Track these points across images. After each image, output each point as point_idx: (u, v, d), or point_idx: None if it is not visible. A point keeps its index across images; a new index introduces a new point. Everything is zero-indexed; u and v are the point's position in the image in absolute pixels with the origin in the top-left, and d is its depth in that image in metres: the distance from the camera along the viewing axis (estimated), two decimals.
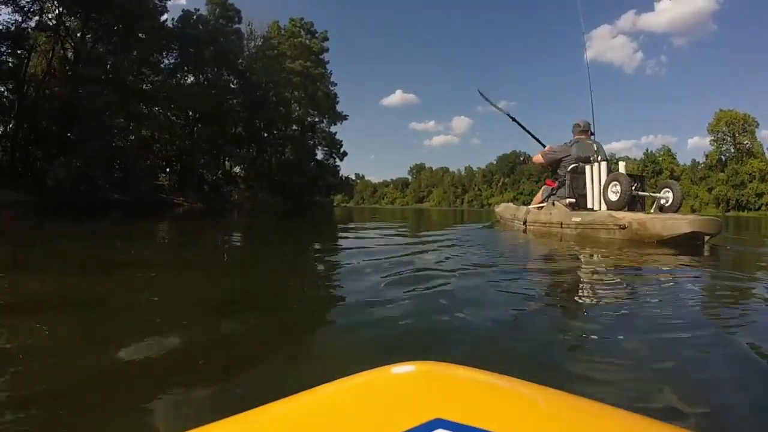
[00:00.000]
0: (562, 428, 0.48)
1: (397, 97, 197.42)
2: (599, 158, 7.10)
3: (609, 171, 6.91)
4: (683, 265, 3.97)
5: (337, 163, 54.79)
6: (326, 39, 52.56)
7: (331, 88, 53.17)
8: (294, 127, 49.29)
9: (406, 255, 4.29)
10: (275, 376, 1.44)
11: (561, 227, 6.87)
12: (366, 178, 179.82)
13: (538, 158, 8.09)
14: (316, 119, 51.58)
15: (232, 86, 39.75)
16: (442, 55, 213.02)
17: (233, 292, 2.75)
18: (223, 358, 1.56)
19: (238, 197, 36.33)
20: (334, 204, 63.25)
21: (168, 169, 35.67)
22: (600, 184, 6.88)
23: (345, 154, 54.75)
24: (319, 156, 52.70)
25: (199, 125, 35.18)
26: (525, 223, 7.90)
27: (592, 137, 7.73)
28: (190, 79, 37.64)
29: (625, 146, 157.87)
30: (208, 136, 34.34)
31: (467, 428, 0.44)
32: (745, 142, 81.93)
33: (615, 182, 6.55)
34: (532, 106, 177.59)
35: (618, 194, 6.44)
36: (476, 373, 0.62)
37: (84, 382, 1.35)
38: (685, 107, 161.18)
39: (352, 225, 10.89)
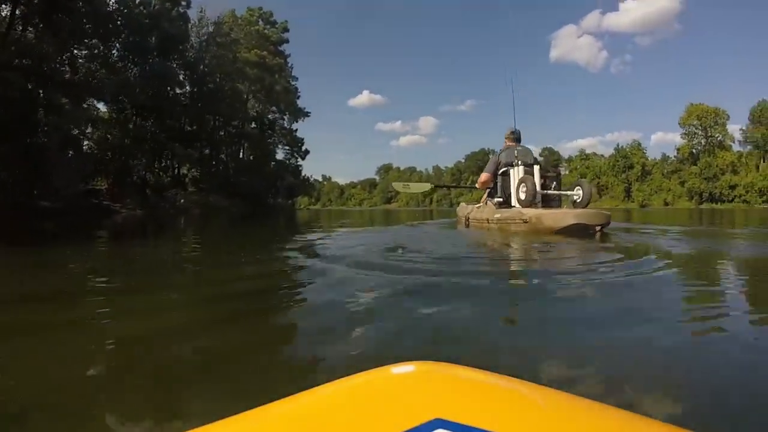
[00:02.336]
0: (562, 428, 0.49)
1: (364, 98, 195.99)
2: (519, 163, 7.78)
3: (527, 173, 7.66)
4: (553, 245, 5.13)
5: (298, 163, 51.41)
6: (286, 30, 48.96)
7: (292, 83, 49.80)
8: (253, 124, 45.68)
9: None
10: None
11: (488, 222, 7.69)
12: (333, 179, 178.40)
13: (482, 177, 8.63)
14: (276, 115, 48.01)
15: (179, 77, 35.96)
16: (408, 56, 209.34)
17: None
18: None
19: (186, 201, 32.22)
20: (300, 207, 59.71)
21: (105, 171, 30.96)
22: (516, 185, 7.70)
23: (307, 152, 51.61)
24: (280, 155, 49.60)
25: (137, 119, 30.74)
26: (467, 219, 8.66)
27: (519, 143, 8.37)
28: (134, 69, 32.97)
29: (591, 143, 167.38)
30: (148, 133, 29.95)
31: (467, 428, 0.44)
32: (716, 136, 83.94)
33: (523, 183, 7.45)
34: (498, 106, 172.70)
35: (525, 193, 7.35)
36: (476, 373, 0.63)
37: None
38: (648, 104, 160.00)
39: (317, 232, 9.46)
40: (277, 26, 47.82)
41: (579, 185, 7.63)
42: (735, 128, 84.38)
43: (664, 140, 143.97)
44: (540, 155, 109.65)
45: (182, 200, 32.06)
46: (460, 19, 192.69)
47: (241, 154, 44.62)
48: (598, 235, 6.18)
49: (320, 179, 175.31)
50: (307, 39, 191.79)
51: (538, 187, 7.40)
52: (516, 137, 8.40)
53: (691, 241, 6.48)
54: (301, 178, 53.55)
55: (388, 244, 5.24)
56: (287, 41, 48.31)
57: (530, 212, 6.75)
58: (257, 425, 0.53)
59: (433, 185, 11.46)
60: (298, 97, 49.67)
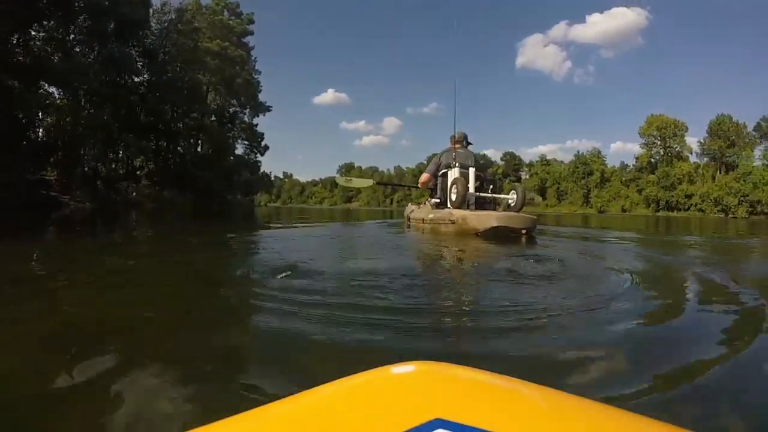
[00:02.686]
0: (562, 428, 0.49)
1: (329, 96, 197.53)
2: (455, 164, 7.83)
3: (467, 176, 7.78)
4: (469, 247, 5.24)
5: (258, 158, 50.31)
6: (251, 22, 47.65)
7: (255, 76, 48.52)
8: (212, 117, 44.30)
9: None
10: None
11: (423, 222, 7.84)
12: (294, 177, 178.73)
13: (422, 178, 8.80)
14: (236, 109, 46.79)
15: (138, 64, 34.33)
16: (375, 56, 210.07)
17: None
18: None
19: (138, 195, 30.88)
20: (260, 203, 58.66)
21: (55, 161, 29.22)
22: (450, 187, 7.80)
23: (266, 148, 50.57)
24: (239, 150, 48.42)
25: (90, 107, 29.25)
26: (409, 219, 8.94)
27: (463, 146, 8.38)
28: (91, 54, 31.25)
29: (551, 149, 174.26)
30: (99, 121, 28.44)
31: (467, 428, 0.45)
32: (675, 146, 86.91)
33: (454, 185, 7.55)
34: (464, 109, 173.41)
35: (456, 194, 7.45)
36: (476, 373, 0.63)
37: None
38: (609, 114, 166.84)
39: (275, 230, 9.58)
40: (242, 18, 46.51)
41: (514, 189, 7.77)
42: (693, 140, 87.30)
43: (623, 149, 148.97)
44: (502, 159, 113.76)
45: (134, 194, 30.71)
46: (429, 21, 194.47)
47: (198, 147, 43.29)
48: (524, 238, 6.36)
49: (281, 176, 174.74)
50: (273, 33, 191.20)
51: (471, 189, 7.65)
52: (460, 139, 8.44)
53: (607, 247, 6.60)
54: (260, 174, 52.51)
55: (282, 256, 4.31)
56: (251, 33, 47.18)
57: (458, 213, 6.91)
58: (257, 425, 0.53)
59: (375, 182, 11.16)
60: (260, 91, 48.64)
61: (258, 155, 49.69)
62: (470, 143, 8.52)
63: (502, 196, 7.82)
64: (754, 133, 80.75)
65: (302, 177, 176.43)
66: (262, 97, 48.62)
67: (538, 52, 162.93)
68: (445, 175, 8.10)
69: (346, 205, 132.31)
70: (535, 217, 6.97)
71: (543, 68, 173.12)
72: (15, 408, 1.25)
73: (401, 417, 0.47)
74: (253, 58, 47.95)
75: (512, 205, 7.50)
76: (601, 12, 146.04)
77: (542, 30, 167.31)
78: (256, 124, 48.93)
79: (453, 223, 6.83)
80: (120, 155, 34.48)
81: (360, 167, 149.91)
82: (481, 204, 7.69)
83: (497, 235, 6.14)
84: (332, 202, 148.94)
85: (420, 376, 0.60)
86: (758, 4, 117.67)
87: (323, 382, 0.61)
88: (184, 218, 15.14)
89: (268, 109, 49.12)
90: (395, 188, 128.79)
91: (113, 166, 33.82)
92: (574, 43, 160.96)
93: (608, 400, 1.06)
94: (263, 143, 49.40)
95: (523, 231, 6.42)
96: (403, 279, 2.86)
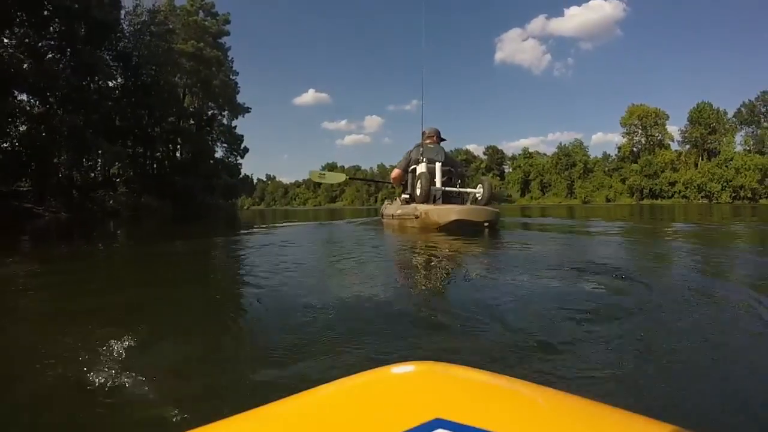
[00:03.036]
0: (562, 428, 0.49)
1: (309, 96, 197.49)
2: (423, 159, 7.97)
3: (434, 171, 7.92)
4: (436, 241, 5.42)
5: (238, 161, 49.36)
6: (228, 22, 46.31)
7: (232, 77, 47.52)
8: (191, 121, 43.33)
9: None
10: None
11: (392, 218, 8.13)
12: (277, 179, 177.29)
13: (393, 173, 8.82)
14: (214, 111, 45.79)
15: (111, 68, 33.26)
16: (355, 55, 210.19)
17: None
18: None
19: (115, 203, 30.00)
20: (244, 207, 57.94)
21: (28, 171, 28.18)
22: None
23: (246, 150, 49.53)
24: (219, 154, 47.42)
25: (63, 113, 28.18)
26: (382, 216, 9.15)
27: (431, 141, 8.44)
28: (63, 60, 30.20)
29: (533, 142, 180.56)
30: (72, 127, 27.35)
31: (467, 428, 0.45)
32: (656, 135, 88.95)
33: (419, 180, 7.59)
34: (443, 106, 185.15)
35: (420, 189, 7.50)
36: (476, 373, 0.64)
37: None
38: (589, 106, 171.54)
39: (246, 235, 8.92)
40: (218, 18, 45.27)
41: (481, 183, 7.89)
42: (674, 129, 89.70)
43: (604, 140, 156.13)
44: (485, 153, 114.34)
45: (111, 202, 29.85)
46: (407, 18, 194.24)
47: (177, 152, 42.37)
48: (486, 231, 6.49)
49: (264, 179, 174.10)
50: (251, 34, 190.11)
51: (438, 184, 7.75)
52: (431, 135, 8.53)
53: (569, 239, 6.56)
54: (241, 176, 51.59)
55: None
56: (228, 34, 45.94)
57: (422, 208, 7.03)
58: (257, 425, 0.53)
59: (348, 177, 11.01)
60: (238, 92, 47.64)
61: (238, 158, 48.81)
62: (443, 139, 8.65)
63: (469, 190, 7.97)
64: (734, 119, 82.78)
65: (285, 179, 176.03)
66: (241, 99, 47.79)
67: (516, 46, 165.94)
68: (414, 170, 8.22)
69: (331, 206, 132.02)
70: (497, 210, 7.15)
71: (522, 62, 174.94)
72: None
73: (401, 417, 0.47)
74: (230, 59, 46.99)
75: (479, 198, 7.66)
76: (579, 5, 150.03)
77: (520, 24, 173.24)
78: (235, 126, 48.18)
79: (417, 218, 7.07)
80: (97, 162, 33.45)
81: (343, 166, 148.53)
82: (448, 198, 7.81)
83: (459, 229, 6.39)
84: (316, 202, 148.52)
85: (420, 376, 0.60)
86: None
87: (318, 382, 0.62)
88: (162, 225, 14.68)
89: (247, 110, 48.04)
90: (378, 185, 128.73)
91: (91, 174, 32.87)
92: (553, 37, 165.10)
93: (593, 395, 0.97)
94: (243, 145, 48.57)
95: (485, 224, 6.62)
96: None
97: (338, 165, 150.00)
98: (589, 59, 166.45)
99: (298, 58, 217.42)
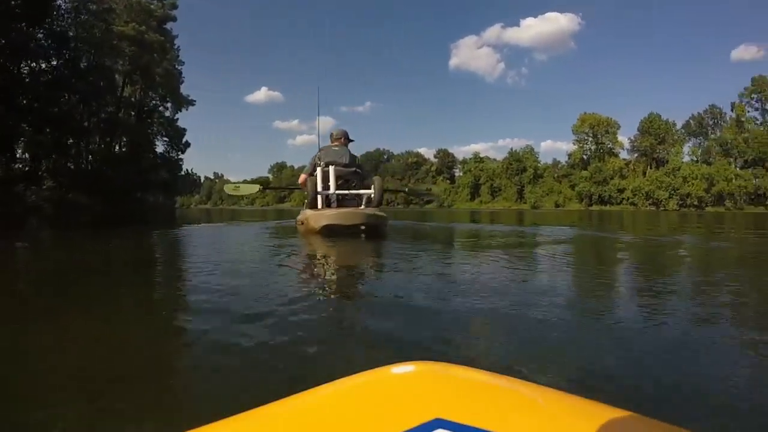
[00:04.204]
0: (562, 428, 0.50)
1: (262, 94, 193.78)
2: (321, 163, 7.84)
3: (327, 175, 7.77)
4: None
5: (180, 156, 45.86)
6: (175, 6, 42.78)
7: (178, 67, 44.39)
8: (132, 112, 40.31)
9: None
10: None
11: (299, 223, 7.99)
12: (226, 177, 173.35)
13: (300, 178, 8.72)
14: (156, 102, 42.73)
15: (42, 50, 29.81)
16: (310, 55, 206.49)
17: None
18: None
19: (37, 198, 26.60)
20: (184, 206, 55.10)
21: None
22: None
23: (188, 145, 46.07)
24: (160, 148, 44.09)
25: None
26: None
27: (338, 143, 8.31)
28: None
29: (484, 148, 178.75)
30: None
31: (467, 428, 0.45)
32: (606, 143, 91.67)
33: (305, 185, 7.74)
34: (397, 108, 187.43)
35: (308, 195, 7.57)
36: (476, 373, 0.64)
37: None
38: (539, 115, 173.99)
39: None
40: (164, 1, 41.77)
41: (373, 183, 7.83)
42: (624, 139, 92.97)
43: (553, 147, 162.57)
44: (435, 156, 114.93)
45: (33, 197, 26.69)
46: (363, 20, 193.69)
47: (114, 144, 39.04)
48: (363, 236, 6.68)
49: (212, 177, 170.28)
50: (201, 27, 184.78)
51: (332, 188, 7.60)
52: (337, 137, 8.44)
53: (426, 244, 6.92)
54: (182, 173, 48.54)
55: None
56: (174, 19, 42.66)
57: (308, 213, 7.23)
58: (257, 425, 0.53)
59: (261, 187, 10.28)
60: (182, 82, 44.62)
61: (179, 153, 45.47)
62: (351, 140, 8.54)
63: (363, 191, 7.85)
64: (682, 130, 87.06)
65: (234, 177, 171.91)
66: (191, 93, 44.94)
67: (471, 53, 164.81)
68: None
69: (279, 206, 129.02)
70: (379, 213, 7.19)
71: (477, 69, 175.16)
72: None
73: (401, 417, 0.47)
74: (176, 47, 43.94)
75: (372, 200, 7.64)
76: (536, 16, 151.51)
77: (476, 32, 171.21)
78: (176, 119, 44.96)
79: (302, 223, 7.50)
80: (17, 154, 30.18)
81: (292, 166, 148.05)
82: (343, 201, 7.77)
83: (333, 233, 6.56)
84: (264, 202, 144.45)
85: (420, 376, 0.60)
86: (683, 13, 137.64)
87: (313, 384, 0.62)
88: (80, 226, 12.94)
89: (191, 103, 45.26)
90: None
91: (11, 166, 29.51)
92: (508, 46, 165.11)
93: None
94: (184, 140, 45.28)
95: (362, 227, 6.77)
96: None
97: (288, 165, 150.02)
98: (542, 69, 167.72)
99: (253, 54, 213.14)
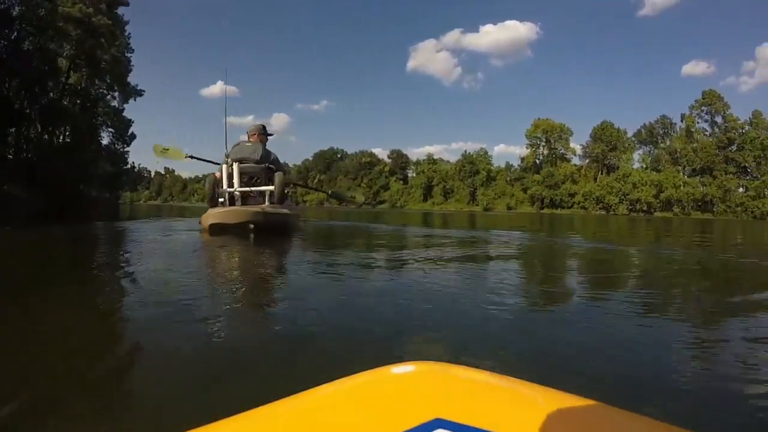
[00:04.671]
0: (562, 428, 0.50)
1: (218, 88, 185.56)
2: (228, 161, 7.78)
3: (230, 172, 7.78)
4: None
5: (125, 149, 43.28)
6: None
7: (128, 54, 41.56)
8: (77, 100, 37.75)
9: None
10: None
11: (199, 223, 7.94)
12: (176, 173, 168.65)
13: (217, 174, 8.42)
14: (103, 90, 40.18)
15: None
16: (266, 49, 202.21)
17: None
18: None
19: None
20: (140, 201, 53.03)
21: None
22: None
23: (133, 137, 43.38)
24: (106, 140, 41.47)
25: None
26: None
27: (254, 139, 8.25)
28: None
29: (438, 150, 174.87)
30: None
31: (467, 428, 0.46)
32: (559, 149, 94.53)
33: (206, 184, 7.78)
34: (354, 107, 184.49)
35: (206, 193, 7.67)
36: (476, 373, 0.64)
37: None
38: (493, 119, 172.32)
39: None
40: None
41: (273, 179, 7.70)
42: (576, 145, 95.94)
43: (506, 151, 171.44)
44: (389, 157, 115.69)
45: None
46: (324, 18, 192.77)
47: (55, 134, 36.69)
48: (251, 235, 6.63)
49: (162, 172, 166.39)
50: (157, 16, 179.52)
51: (236, 185, 7.58)
52: (253, 133, 8.38)
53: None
54: (127, 167, 45.72)
55: None
56: (126, 4, 39.75)
57: (209, 212, 7.22)
58: (257, 425, 0.53)
59: (186, 155, 9.79)
60: (130, 71, 41.66)
61: (125, 146, 42.82)
62: (269, 134, 8.59)
63: (263, 188, 7.70)
64: (633, 138, 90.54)
65: (186, 173, 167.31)
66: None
67: (430, 57, 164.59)
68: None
69: None
70: (278, 211, 7.18)
71: (434, 73, 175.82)
72: None
73: (401, 417, 0.47)
74: (126, 33, 41.04)
75: (273, 197, 7.52)
76: (495, 23, 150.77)
77: (436, 36, 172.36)
78: (122, 109, 42.27)
79: (200, 222, 7.51)
80: None
81: None
82: (247, 199, 7.70)
83: (222, 232, 6.69)
84: None
85: (420, 376, 0.60)
86: (636, 28, 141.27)
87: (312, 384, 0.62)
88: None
89: (139, 93, 42.36)
90: (291, 187, 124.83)
91: None
92: (466, 51, 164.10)
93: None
94: (130, 131, 42.71)
95: (250, 225, 6.74)
96: None
97: None
98: (498, 75, 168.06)
99: (210, 47, 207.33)
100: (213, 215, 6.87)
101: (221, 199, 7.90)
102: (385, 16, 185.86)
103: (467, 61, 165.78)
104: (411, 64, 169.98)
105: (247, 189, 7.68)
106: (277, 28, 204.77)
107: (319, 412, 0.53)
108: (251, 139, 8.18)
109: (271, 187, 7.51)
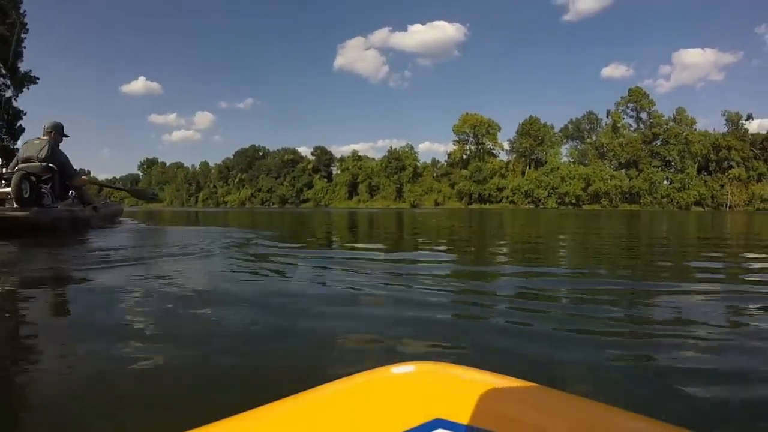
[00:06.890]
0: (562, 428, 0.50)
1: (139, 85, 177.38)
2: (17, 159, 7.61)
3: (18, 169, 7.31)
4: None
5: (13, 145, 37.74)
6: None
7: (23, 35, 36.82)
8: None
9: None
10: None
11: None
12: (93, 174, 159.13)
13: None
14: None
15: None
16: (190, 44, 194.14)
17: None
18: None
19: None
20: None
21: None
22: None
23: (22, 130, 38.65)
24: None
25: None
26: None
27: (47, 138, 7.92)
28: None
29: (363, 147, 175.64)
30: None
31: (468, 428, 0.46)
32: (487, 144, 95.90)
33: None
34: (279, 105, 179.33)
35: None
36: (476, 373, 0.63)
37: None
38: (419, 117, 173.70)
39: None
40: None
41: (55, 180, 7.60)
42: (504, 142, 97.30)
43: (431, 149, 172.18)
44: (313, 154, 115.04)
45: None
46: (250, 14, 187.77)
47: None
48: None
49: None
50: (82, 14, 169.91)
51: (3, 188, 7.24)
52: (48, 131, 7.99)
53: None
54: None
55: None
56: None
57: None
58: (257, 425, 0.53)
59: None
60: (22, 53, 37.33)
61: (12, 141, 37.88)
62: (65, 135, 8.23)
63: (5, 189, 7.19)
64: (560, 133, 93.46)
65: (102, 174, 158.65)
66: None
67: (358, 55, 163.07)
68: None
69: (149, 206, 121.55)
70: (11, 214, 6.57)
71: (361, 71, 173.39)
72: None
73: (401, 417, 0.47)
74: (22, 11, 36.69)
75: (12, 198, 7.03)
76: (424, 23, 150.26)
77: (364, 34, 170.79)
78: (9, 97, 37.62)
79: None
80: None
81: (164, 163, 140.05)
82: (3, 202, 7.24)
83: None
84: (133, 202, 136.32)
85: (420, 376, 0.60)
86: (560, 32, 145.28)
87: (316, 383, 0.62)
88: None
89: (33, 80, 38.26)
90: (201, 187, 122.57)
91: None
92: (394, 50, 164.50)
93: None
94: (18, 124, 38.26)
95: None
96: None
97: (159, 161, 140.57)
98: (425, 74, 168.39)
99: (131, 40, 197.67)
100: None
101: None
102: (314, 14, 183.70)
103: (395, 59, 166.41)
104: (338, 61, 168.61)
105: (5, 190, 7.17)
106: (202, 23, 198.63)
107: (319, 412, 0.54)
108: (44, 138, 7.86)
109: (6, 189, 7.05)
